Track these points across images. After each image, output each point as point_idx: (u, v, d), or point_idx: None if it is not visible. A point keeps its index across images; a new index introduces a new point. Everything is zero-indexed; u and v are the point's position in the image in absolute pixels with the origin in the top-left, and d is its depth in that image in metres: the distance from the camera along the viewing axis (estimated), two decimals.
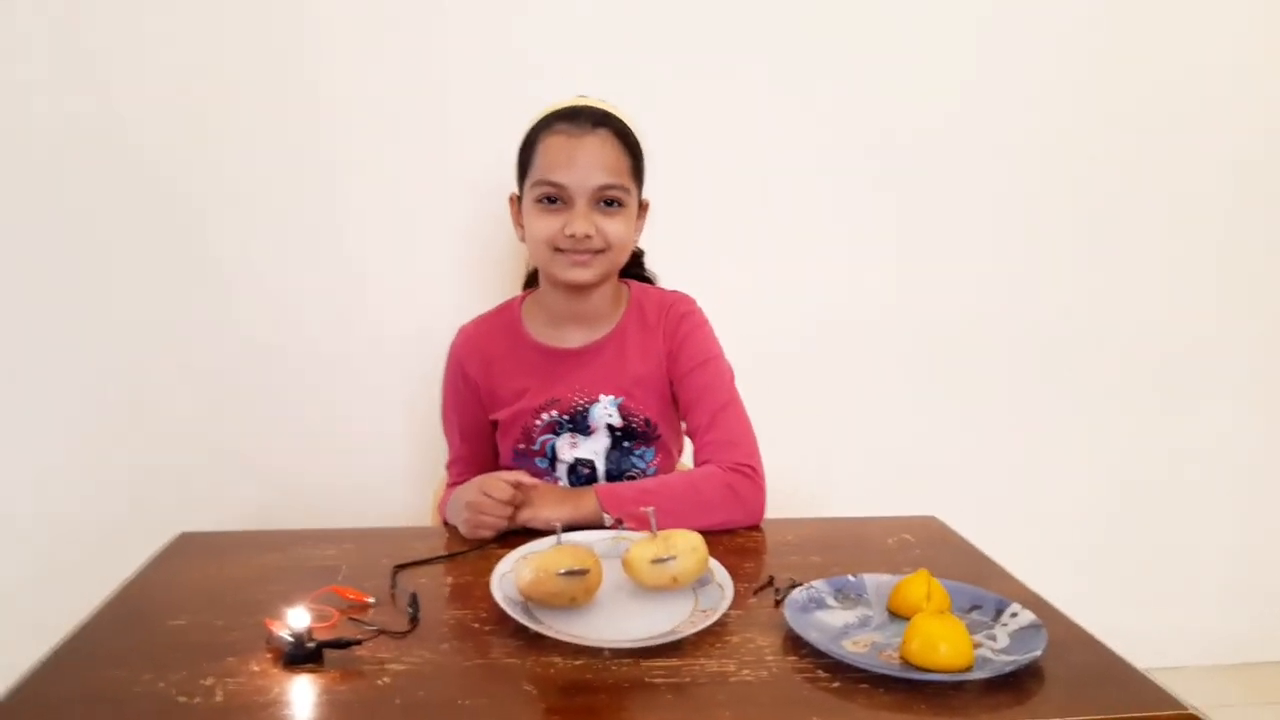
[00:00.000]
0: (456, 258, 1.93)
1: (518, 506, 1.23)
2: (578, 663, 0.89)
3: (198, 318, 1.89)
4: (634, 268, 1.52)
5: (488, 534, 1.22)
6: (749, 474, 1.30)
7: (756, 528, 1.29)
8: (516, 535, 1.20)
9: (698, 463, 1.37)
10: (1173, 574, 2.26)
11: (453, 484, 1.44)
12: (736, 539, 1.25)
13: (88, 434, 1.90)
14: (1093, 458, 2.20)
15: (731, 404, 1.37)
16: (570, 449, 1.38)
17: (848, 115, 1.98)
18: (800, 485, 1.92)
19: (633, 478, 1.39)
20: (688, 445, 1.47)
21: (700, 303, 1.46)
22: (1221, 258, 2.15)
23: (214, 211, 1.87)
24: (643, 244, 1.52)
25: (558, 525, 1.06)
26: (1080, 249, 2.11)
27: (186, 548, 1.22)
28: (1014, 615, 0.97)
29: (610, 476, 1.39)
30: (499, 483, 1.22)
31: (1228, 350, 2.19)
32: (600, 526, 1.21)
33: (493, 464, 1.47)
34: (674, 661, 0.89)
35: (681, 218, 1.89)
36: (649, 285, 1.51)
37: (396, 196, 1.90)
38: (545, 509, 1.22)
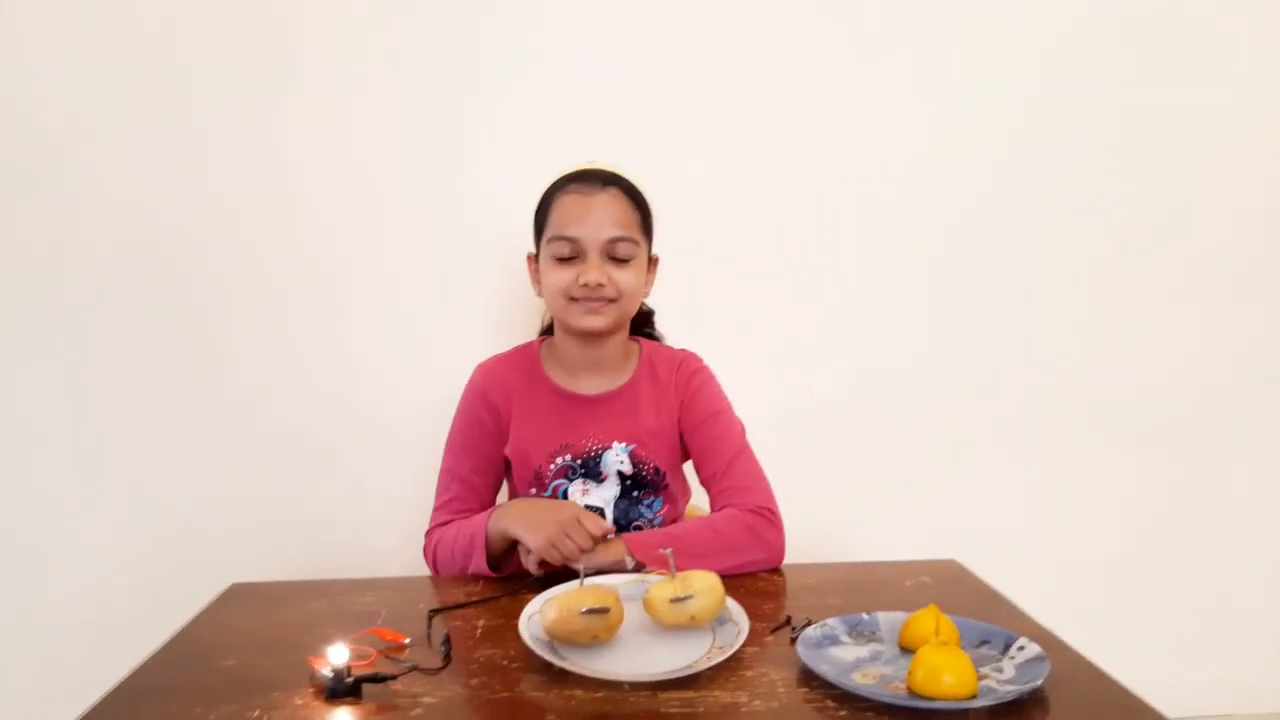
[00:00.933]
0: (487, 321, 2.02)
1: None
2: (598, 695, 0.94)
3: (245, 380, 2.02)
4: (644, 326, 1.59)
5: (556, 557, 1.24)
6: (768, 516, 1.36)
7: (777, 570, 1.34)
8: (540, 582, 1.25)
9: (715, 508, 1.42)
10: (1204, 622, 2.24)
11: (437, 526, 1.45)
12: (758, 582, 1.29)
13: (140, 493, 2.02)
14: (1127, 507, 2.20)
15: (744, 452, 1.44)
16: (582, 495, 1.43)
17: (878, 168, 2.07)
18: (830, 535, 1.95)
19: (639, 528, 1.44)
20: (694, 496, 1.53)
21: (726, 354, 1.54)
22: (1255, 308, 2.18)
23: (262, 278, 1.99)
24: (663, 301, 1.60)
25: (581, 568, 1.11)
26: (1109, 302, 2.15)
27: (237, 596, 1.30)
28: (1021, 649, 1.00)
29: (618, 525, 1.44)
30: (597, 520, 1.27)
31: (1265, 400, 2.20)
32: (625, 570, 1.26)
33: (494, 504, 1.50)
34: (689, 693, 0.94)
35: (705, 270, 2.00)
36: (658, 343, 1.58)
37: (428, 266, 2.02)
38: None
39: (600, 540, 1.26)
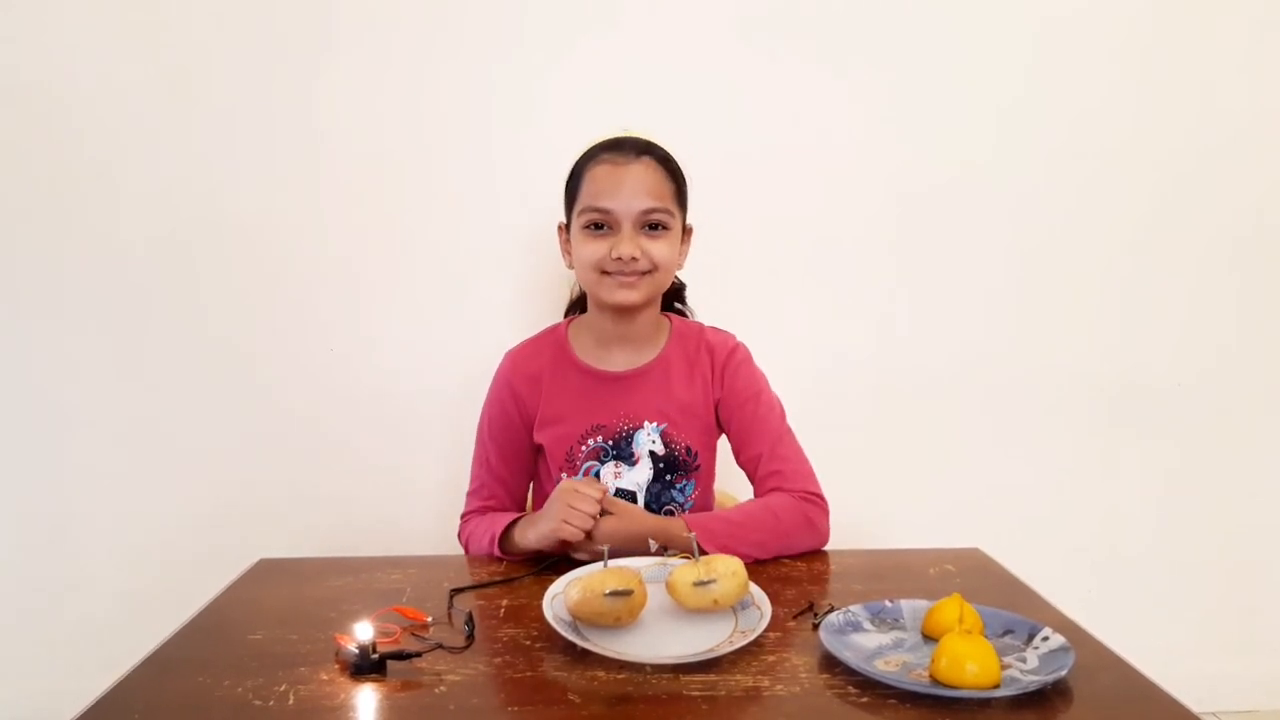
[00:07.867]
0: (513, 302, 2.03)
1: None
2: (620, 676, 0.94)
3: (274, 365, 2.04)
4: (675, 300, 1.58)
5: (571, 533, 1.23)
6: (819, 502, 1.37)
7: (803, 556, 1.34)
8: (568, 562, 1.26)
9: (760, 491, 1.42)
10: (1229, 617, 2.22)
11: (470, 513, 1.48)
12: (781, 568, 1.29)
13: (171, 472, 2.06)
14: (1156, 499, 2.18)
15: (788, 434, 1.44)
16: (614, 479, 1.42)
17: (919, 151, 2.06)
18: (853, 521, 1.95)
19: (670, 512, 1.42)
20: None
21: (752, 338, 1.52)
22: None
23: (284, 262, 2.01)
24: (693, 278, 1.60)
25: (605, 549, 1.12)
26: (1145, 288, 2.12)
27: (265, 572, 1.32)
28: (1045, 639, 0.99)
29: (649, 509, 1.42)
30: (589, 482, 1.29)
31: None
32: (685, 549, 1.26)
33: (524, 493, 1.53)
34: (711, 677, 0.94)
35: (737, 250, 2.00)
36: (688, 320, 1.57)
37: (454, 246, 2.02)
38: (635, 525, 1.28)
39: (600, 497, 1.25)
